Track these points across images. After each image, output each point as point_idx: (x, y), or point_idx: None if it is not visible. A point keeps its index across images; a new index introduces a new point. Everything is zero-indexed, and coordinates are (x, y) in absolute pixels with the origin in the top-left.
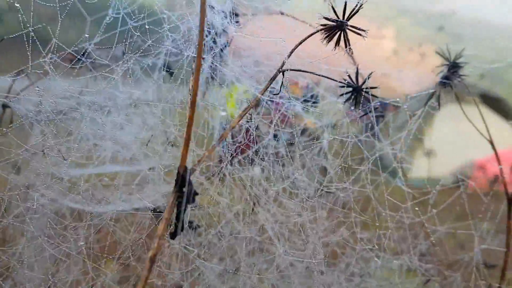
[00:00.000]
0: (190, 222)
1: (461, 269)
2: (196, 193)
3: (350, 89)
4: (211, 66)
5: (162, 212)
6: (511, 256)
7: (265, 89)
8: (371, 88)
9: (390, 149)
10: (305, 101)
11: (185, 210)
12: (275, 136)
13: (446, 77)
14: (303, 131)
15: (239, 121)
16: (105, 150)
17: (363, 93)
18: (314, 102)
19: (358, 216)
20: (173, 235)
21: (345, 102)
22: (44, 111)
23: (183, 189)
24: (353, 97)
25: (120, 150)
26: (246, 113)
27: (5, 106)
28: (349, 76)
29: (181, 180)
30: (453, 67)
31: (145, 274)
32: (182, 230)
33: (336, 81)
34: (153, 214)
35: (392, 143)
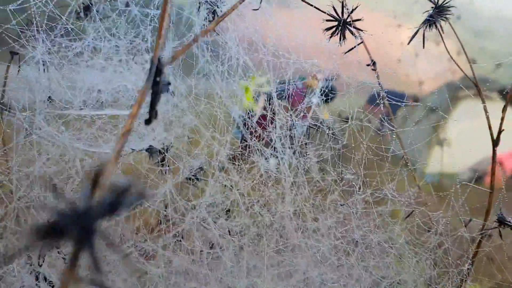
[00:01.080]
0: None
1: (444, 207)
2: (168, 83)
3: (335, 22)
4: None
5: (154, 150)
6: (495, 197)
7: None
8: (355, 20)
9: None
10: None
11: (158, 98)
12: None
13: (431, 16)
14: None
15: (223, 19)
16: (107, 94)
17: (348, 26)
18: (330, 96)
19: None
20: (147, 122)
21: (330, 37)
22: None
23: (156, 79)
24: (338, 30)
25: (121, 95)
26: (233, 10)
27: (13, 53)
28: (334, 9)
29: (155, 70)
30: (439, 8)
31: (118, 147)
32: (155, 117)
33: (322, 11)
34: (147, 152)
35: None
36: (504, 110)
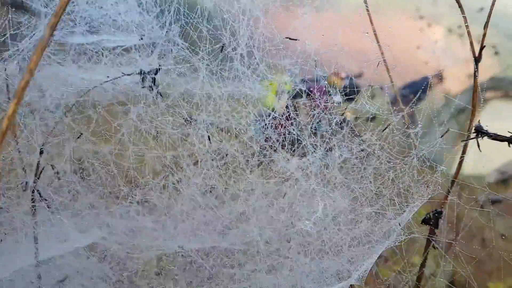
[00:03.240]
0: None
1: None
2: None
3: None
4: None
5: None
6: (476, 115)
7: None
8: None
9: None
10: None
11: None
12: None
13: None
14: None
15: None
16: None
17: None
18: (351, 94)
19: None
20: None
21: None
22: None
23: None
24: None
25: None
26: None
27: None
28: None
29: None
30: None
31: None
32: None
33: None
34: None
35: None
36: (485, 26)
